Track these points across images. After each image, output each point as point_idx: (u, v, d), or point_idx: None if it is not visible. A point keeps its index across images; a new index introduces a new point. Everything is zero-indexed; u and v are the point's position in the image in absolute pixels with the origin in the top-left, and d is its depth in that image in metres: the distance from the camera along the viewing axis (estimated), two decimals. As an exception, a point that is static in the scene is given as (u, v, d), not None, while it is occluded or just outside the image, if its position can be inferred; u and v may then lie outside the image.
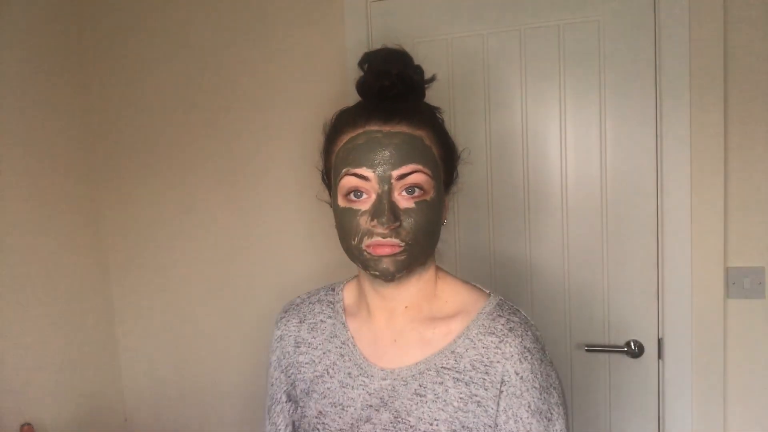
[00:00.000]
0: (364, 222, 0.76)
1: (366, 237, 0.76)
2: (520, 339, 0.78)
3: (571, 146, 1.62)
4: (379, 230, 0.75)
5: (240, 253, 1.93)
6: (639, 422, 1.62)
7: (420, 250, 0.78)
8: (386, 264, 0.76)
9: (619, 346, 1.62)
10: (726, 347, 1.53)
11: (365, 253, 0.77)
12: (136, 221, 2.03)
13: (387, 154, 0.75)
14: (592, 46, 1.57)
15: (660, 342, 1.59)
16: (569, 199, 1.63)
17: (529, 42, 1.62)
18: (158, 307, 2.04)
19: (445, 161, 0.82)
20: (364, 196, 0.77)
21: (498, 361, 0.78)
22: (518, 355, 0.77)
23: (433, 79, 0.85)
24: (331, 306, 0.94)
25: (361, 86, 0.83)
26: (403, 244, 0.75)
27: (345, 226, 0.78)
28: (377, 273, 0.77)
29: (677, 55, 1.49)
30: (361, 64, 0.83)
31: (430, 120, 0.81)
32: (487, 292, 0.87)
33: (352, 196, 0.77)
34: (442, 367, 0.81)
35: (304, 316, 0.95)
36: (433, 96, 0.86)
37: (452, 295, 0.87)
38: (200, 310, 2.00)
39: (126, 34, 1.98)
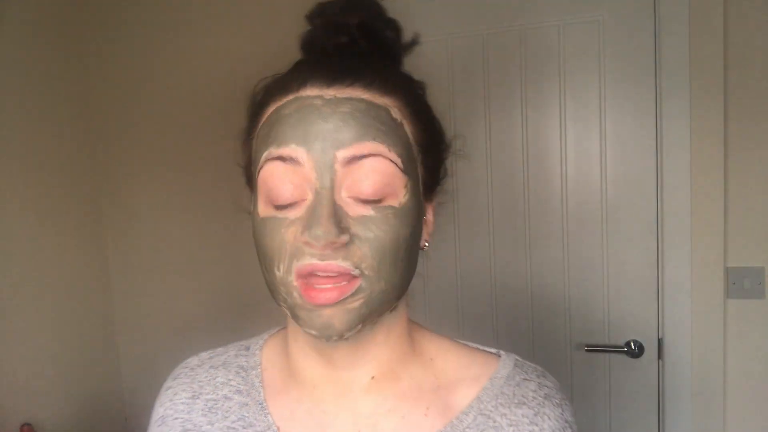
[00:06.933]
0: (292, 237, 0.47)
1: (294, 261, 0.47)
2: (560, 409, 0.56)
3: (571, 146, 1.62)
4: (313, 248, 0.46)
5: (242, 253, 1.93)
6: (639, 422, 1.62)
7: (385, 289, 0.48)
8: (328, 316, 0.47)
9: (619, 346, 1.62)
10: (726, 347, 1.52)
11: (294, 294, 0.48)
12: (137, 221, 2.03)
13: (329, 126, 0.47)
14: (592, 46, 1.57)
15: (660, 342, 1.59)
16: (569, 199, 1.63)
17: (529, 42, 1.62)
18: (158, 307, 2.04)
19: (426, 150, 0.54)
20: (298, 199, 0.48)
21: None
22: (560, 431, 0.55)
23: (415, 42, 0.59)
24: (243, 374, 0.61)
25: (307, 45, 0.56)
26: (356, 272, 0.47)
27: (266, 246, 0.50)
28: (314, 332, 0.48)
29: (677, 55, 1.49)
30: (310, 17, 0.56)
31: (403, 85, 0.54)
32: (494, 351, 0.61)
33: (279, 200, 0.49)
34: None
35: (200, 388, 0.61)
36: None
37: (441, 352, 0.59)
38: (201, 310, 2.00)
39: (126, 34, 1.98)
